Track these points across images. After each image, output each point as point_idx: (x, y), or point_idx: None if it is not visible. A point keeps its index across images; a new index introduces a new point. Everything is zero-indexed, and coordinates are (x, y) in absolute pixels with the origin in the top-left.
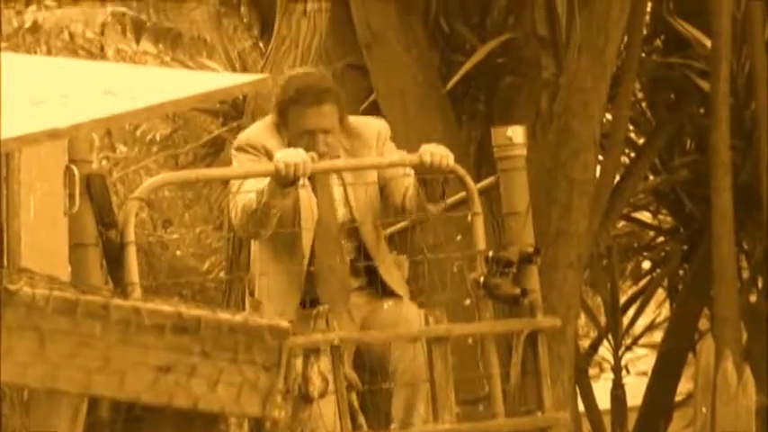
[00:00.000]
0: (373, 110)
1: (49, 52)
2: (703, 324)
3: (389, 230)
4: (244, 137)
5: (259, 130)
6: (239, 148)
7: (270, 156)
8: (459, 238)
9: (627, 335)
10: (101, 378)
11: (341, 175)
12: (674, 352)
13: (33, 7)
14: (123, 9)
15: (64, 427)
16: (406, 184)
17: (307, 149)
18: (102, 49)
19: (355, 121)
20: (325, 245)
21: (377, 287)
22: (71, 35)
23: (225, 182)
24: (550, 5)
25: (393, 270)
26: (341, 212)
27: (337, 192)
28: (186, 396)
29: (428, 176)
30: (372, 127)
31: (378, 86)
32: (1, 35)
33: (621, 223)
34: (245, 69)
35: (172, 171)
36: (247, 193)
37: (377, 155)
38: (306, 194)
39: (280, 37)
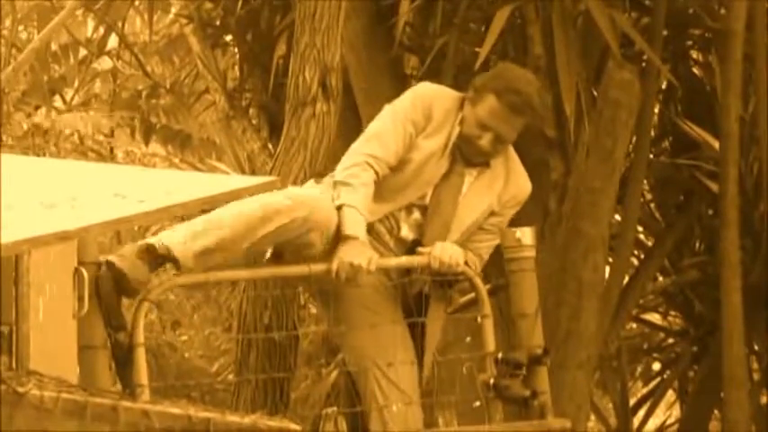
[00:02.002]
0: None
1: (58, 154)
2: (714, 426)
3: None
4: (427, 91)
5: (444, 94)
6: (416, 94)
7: (425, 122)
8: (468, 339)
9: None
10: None
11: (479, 178)
12: None
13: (43, 110)
14: (133, 112)
15: None
16: (485, 245)
17: (474, 139)
18: (111, 151)
19: (514, 161)
20: (437, 227)
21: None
22: (80, 137)
23: (233, 283)
24: (559, 107)
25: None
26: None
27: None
28: None
29: (439, 278)
30: (517, 182)
31: None
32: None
33: (631, 325)
34: (253, 171)
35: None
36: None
37: (492, 205)
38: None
39: (288, 139)
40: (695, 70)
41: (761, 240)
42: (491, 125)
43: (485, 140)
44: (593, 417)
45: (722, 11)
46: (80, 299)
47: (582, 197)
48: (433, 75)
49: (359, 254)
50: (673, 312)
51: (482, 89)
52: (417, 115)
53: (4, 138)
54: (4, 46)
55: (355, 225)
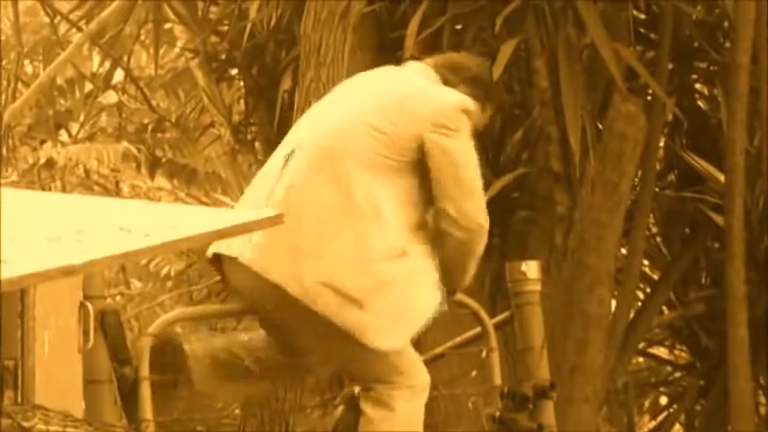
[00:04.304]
0: None
1: (63, 188)
2: None
3: None
4: (466, 101)
5: None
6: (467, 111)
7: None
8: (474, 373)
9: None
10: None
11: None
12: None
13: (48, 144)
14: (138, 146)
15: None
16: None
17: None
18: (117, 184)
19: None
20: None
21: None
22: (86, 171)
23: (239, 318)
24: (564, 141)
25: None
26: None
27: None
28: None
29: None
30: None
31: None
32: None
33: (638, 359)
34: None
35: (186, 307)
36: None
37: None
38: None
39: None
40: (700, 103)
41: (767, 274)
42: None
43: None
44: None
45: (727, 44)
46: (85, 333)
47: (587, 231)
48: None
49: None
50: (679, 346)
51: (485, 99)
52: None
53: (9, 172)
54: (6, 79)
55: None
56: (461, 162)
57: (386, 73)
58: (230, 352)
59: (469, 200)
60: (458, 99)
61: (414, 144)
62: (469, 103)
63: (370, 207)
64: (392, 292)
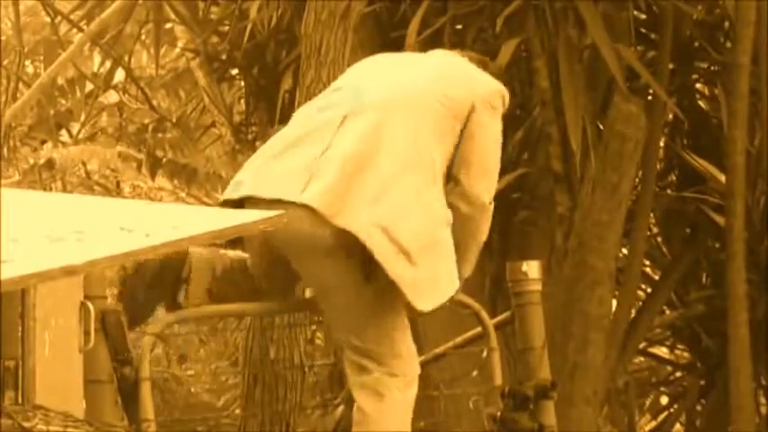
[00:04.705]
0: None
1: (64, 188)
2: None
3: None
4: (504, 89)
5: None
6: (503, 99)
7: None
8: (475, 373)
9: None
10: None
11: None
12: None
13: (49, 144)
14: (138, 146)
15: None
16: None
17: None
18: (117, 185)
19: None
20: None
21: None
22: (87, 172)
23: (240, 317)
24: (565, 141)
25: None
26: None
27: None
28: None
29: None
30: None
31: None
32: None
33: (639, 358)
34: None
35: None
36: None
37: None
38: None
39: None
40: (701, 103)
41: (767, 274)
42: None
43: None
44: None
45: (728, 44)
46: (86, 333)
47: (588, 231)
48: None
49: None
50: (680, 346)
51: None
52: None
53: (11, 172)
54: (7, 79)
55: None
56: (490, 142)
57: (422, 55)
58: (225, 266)
59: (482, 178)
60: (500, 85)
61: (467, 114)
62: (506, 93)
63: (431, 168)
64: (438, 257)
